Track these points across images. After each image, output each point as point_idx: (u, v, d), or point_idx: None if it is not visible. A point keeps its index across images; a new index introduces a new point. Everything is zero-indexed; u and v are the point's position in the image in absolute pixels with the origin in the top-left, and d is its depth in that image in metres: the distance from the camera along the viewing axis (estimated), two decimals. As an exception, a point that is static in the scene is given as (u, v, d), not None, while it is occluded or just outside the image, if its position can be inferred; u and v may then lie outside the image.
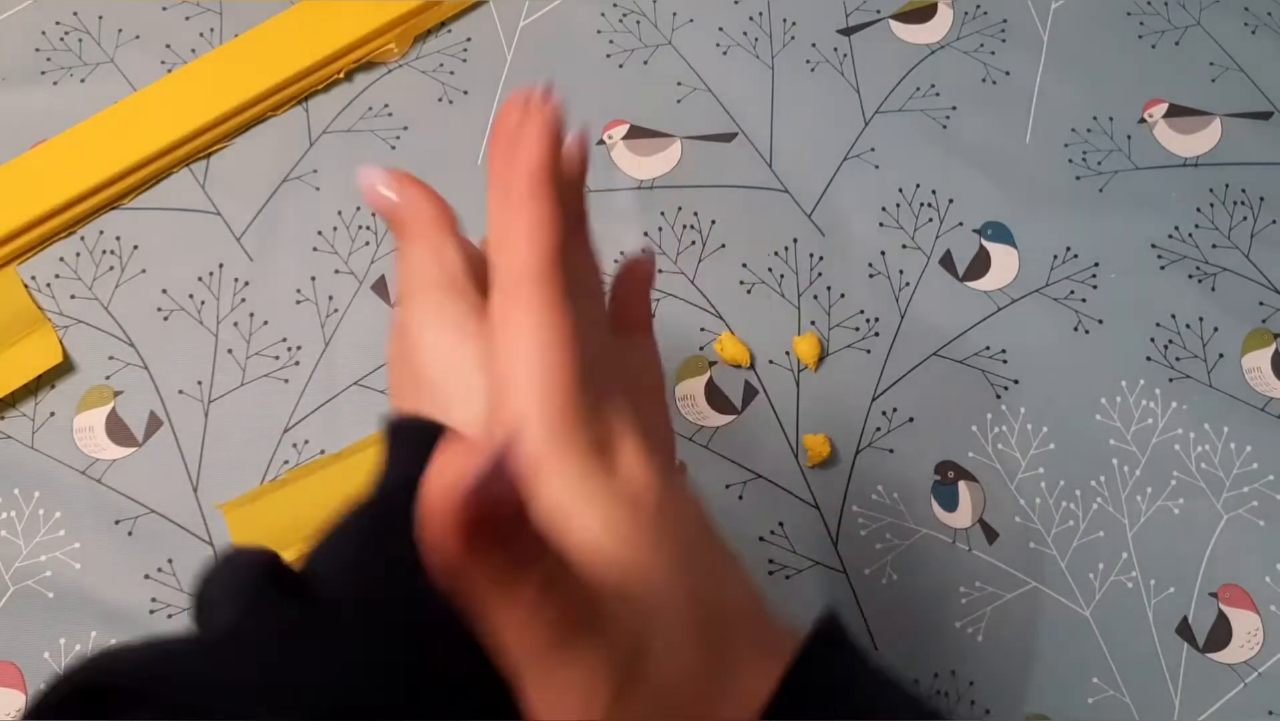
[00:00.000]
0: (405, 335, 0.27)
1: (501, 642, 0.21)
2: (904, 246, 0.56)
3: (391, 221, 0.29)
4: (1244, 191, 0.58)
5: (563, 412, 0.23)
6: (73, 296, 0.53)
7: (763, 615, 0.25)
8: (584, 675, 0.21)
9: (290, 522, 0.49)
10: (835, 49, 0.60)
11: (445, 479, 0.18)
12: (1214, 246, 0.56)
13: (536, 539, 0.20)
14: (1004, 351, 0.54)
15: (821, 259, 0.55)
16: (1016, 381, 0.53)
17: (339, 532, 0.25)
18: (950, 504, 0.51)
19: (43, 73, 0.57)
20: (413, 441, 0.25)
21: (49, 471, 0.50)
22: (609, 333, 0.28)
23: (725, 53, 0.60)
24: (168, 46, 0.58)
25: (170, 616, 0.48)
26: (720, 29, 0.60)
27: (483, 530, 0.18)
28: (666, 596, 0.23)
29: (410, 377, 0.27)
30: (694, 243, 0.55)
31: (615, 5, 0.60)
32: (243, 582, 0.23)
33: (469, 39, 0.59)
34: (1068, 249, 0.56)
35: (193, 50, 0.58)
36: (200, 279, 0.53)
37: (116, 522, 0.49)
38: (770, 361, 0.53)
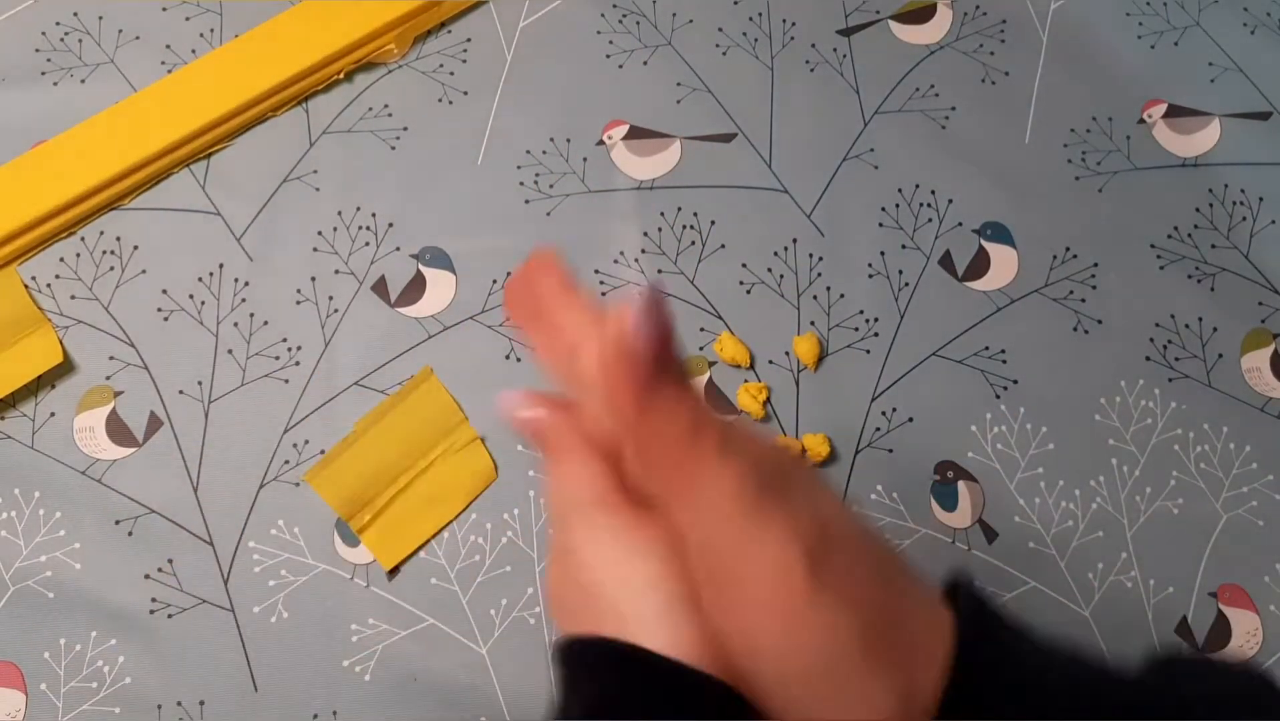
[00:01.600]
0: (567, 557, 0.28)
1: (690, 500, 0.24)
2: (903, 246, 0.56)
3: (536, 442, 0.30)
4: (1243, 191, 0.58)
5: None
6: (73, 297, 0.53)
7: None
8: (780, 542, 0.23)
9: (371, 470, 0.50)
10: (835, 49, 0.60)
11: (615, 340, 0.24)
12: (1213, 246, 0.56)
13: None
14: (1004, 351, 0.54)
15: (821, 259, 0.55)
16: (1016, 381, 0.53)
17: None
18: (950, 504, 0.51)
19: (43, 73, 0.57)
20: (596, 664, 0.26)
21: (49, 471, 0.50)
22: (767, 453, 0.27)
23: (725, 53, 0.60)
24: (168, 47, 0.58)
25: (170, 616, 0.48)
26: (720, 29, 0.60)
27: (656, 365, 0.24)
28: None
29: (579, 598, 0.27)
30: (694, 243, 0.55)
31: (615, 6, 0.60)
32: None
33: (469, 39, 0.59)
34: (1067, 249, 0.56)
35: (193, 51, 0.58)
36: (200, 279, 0.53)
37: (117, 523, 0.49)
38: (770, 361, 0.53)
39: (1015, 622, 0.27)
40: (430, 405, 0.51)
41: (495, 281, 0.54)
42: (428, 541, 0.49)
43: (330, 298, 0.53)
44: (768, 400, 0.52)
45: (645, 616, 0.26)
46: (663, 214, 0.56)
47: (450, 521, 0.50)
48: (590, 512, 0.27)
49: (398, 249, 0.54)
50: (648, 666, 0.25)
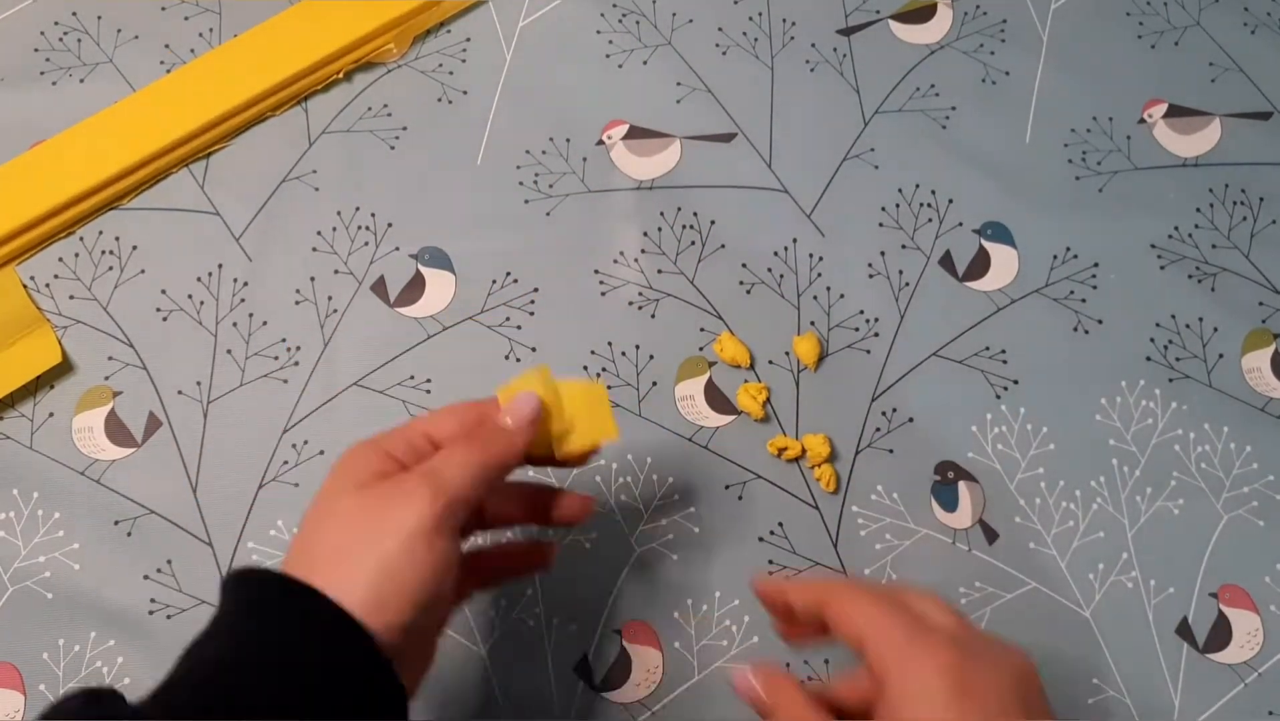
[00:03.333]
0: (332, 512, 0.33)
1: None
2: (903, 246, 0.56)
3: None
4: (1244, 191, 0.58)
5: None
6: (72, 297, 0.53)
7: None
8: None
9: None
10: (835, 49, 0.60)
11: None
12: (1214, 246, 0.56)
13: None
14: (1004, 351, 0.54)
15: (821, 259, 0.55)
16: (1016, 381, 0.53)
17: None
18: (950, 504, 0.51)
19: (42, 73, 0.57)
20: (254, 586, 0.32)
21: (48, 472, 0.50)
22: None
23: (725, 53, 0.59)
24: (167, 46, 0.58)
25: (169, 617, 0.48)
26: (720, 29, 0.60)
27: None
28: None
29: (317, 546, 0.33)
30: (694, 243, 0.55)
31: (615, 5, 0.60)
32: None
33: (468, 39, 0.59)
34: (1067, 249, 0.56)
35: (192, 50, 0.58)
36: (199, 279, 0.53)
37: (115, 523, 0.49)
38: (770, 362, 0.53)
39: None
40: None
41: (495, 282, 0.54)
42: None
43: (329, 298, 0.53)
44: (768, 400, 0.52)
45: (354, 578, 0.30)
46: (662, 214, 0.56)
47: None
48: None
49: (397, 249, 0.54)
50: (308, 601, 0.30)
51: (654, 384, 0.52)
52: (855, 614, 0.34)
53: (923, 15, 0.61)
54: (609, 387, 0.52)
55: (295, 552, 0.32)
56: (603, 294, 0.54)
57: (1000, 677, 0.33)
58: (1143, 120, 0.59)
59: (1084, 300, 0.55)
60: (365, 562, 0.31)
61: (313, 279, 0.54)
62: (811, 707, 0.35)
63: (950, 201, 0.56)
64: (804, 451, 0.51)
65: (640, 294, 0.54)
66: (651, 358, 0.53)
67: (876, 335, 0.54)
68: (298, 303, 0.53)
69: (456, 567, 0.33)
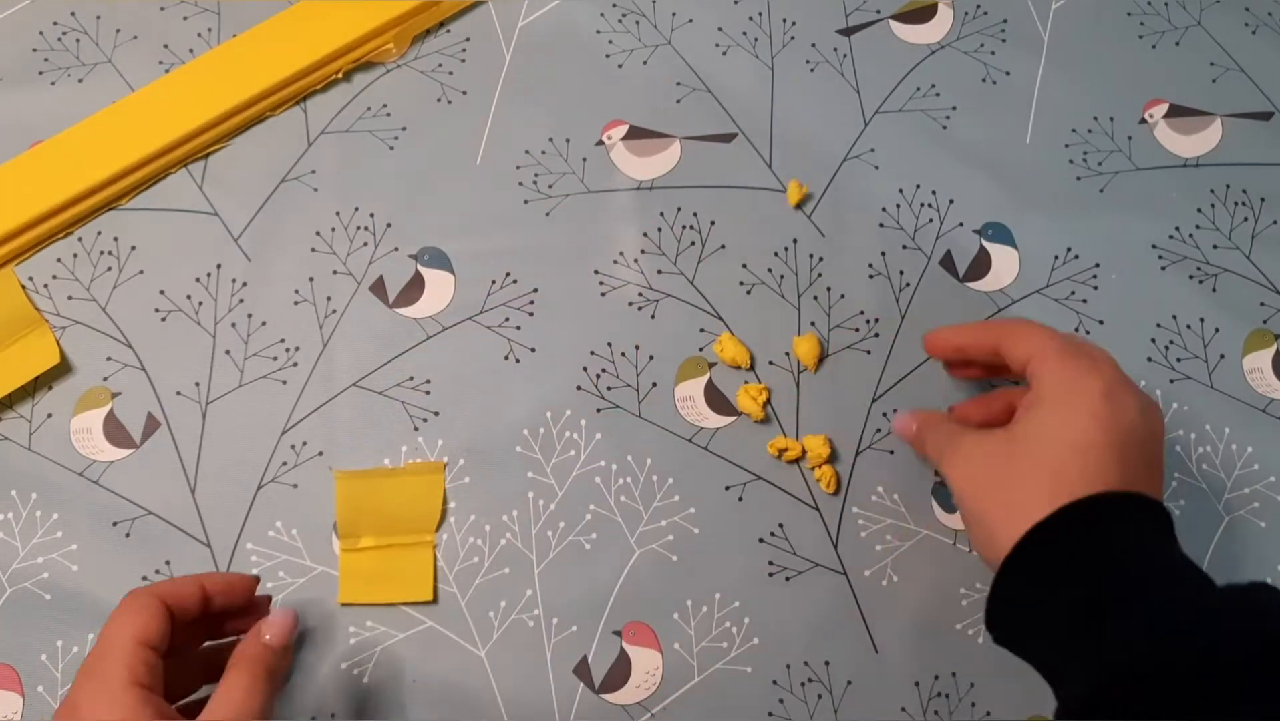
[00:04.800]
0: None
1: None
2: (904, 247, 0.55)
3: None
4: (1245, 192, 0.57)
5: None
6: (70, 297, 0.53)
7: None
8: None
9: (390, 511, 0.49)
10: (835, 49, 0.60)
11: None
12: (1215, 247, 0.56)
13: None
14: (1004, 352, 0.53)
15: (821, 259, 0.55)
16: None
17: None
18: (951, 505, 0.51)
19: (40, 73, 0.57)
20: None
21: (46, 473, 0.50)
22: None
23: (725, 53, 0.59)
24: (165, 47, 0.58)
25: (168, 618, 0.48)
26: (720, 29, 0.60)
27: None
28: None
29: None
30: (694, 243, 0.55)
31: (615, 5, 0.60)
32: None
33: (468, 39, 0.59)
34: (1068, 249, 0.56)
35: (191, 50, 0.57)
36: (198, 280, 0.53)
37: (114, 524, 0.49)
38: (770, 362, 0.53)
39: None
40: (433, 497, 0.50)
41: (494, 282, 0.54)
42: (375, 605, 0.48)
43: (328, 298, 0.53)
44: (768, 401, 0.52)
45: None
46: (662, 214, 0.56)
47: (403, 603, 0.49)
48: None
49: (396, 249, 0.54)
50: None
51: (654, 384, 0.52)
52: (1024, 336, 0.42)
53: (923, 15, 0.61)
54: (608, 388, 0.52)
55: None
56: (602, 294, 0.54)
57: (1139, 402, 0.40)
58: (1144, 120, 0.59)
59: (1085, 301, 0.55)
60: None
61: (311, 279, 0.54)
62: (951, 421, 0.47)
63: (951, 202, 0.56)
64: (804, 452, 0.51)
65: (640, 294, 0.54)
66: (651, 358, 0.53)
67: (877, 336, 0.54)
68: (296, 303, 0.53)
69: None
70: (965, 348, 0.46)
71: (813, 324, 0.54)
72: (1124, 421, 0.38)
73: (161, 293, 0.53)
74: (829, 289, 0.54)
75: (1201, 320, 0.55)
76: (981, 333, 0.45)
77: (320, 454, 0.50)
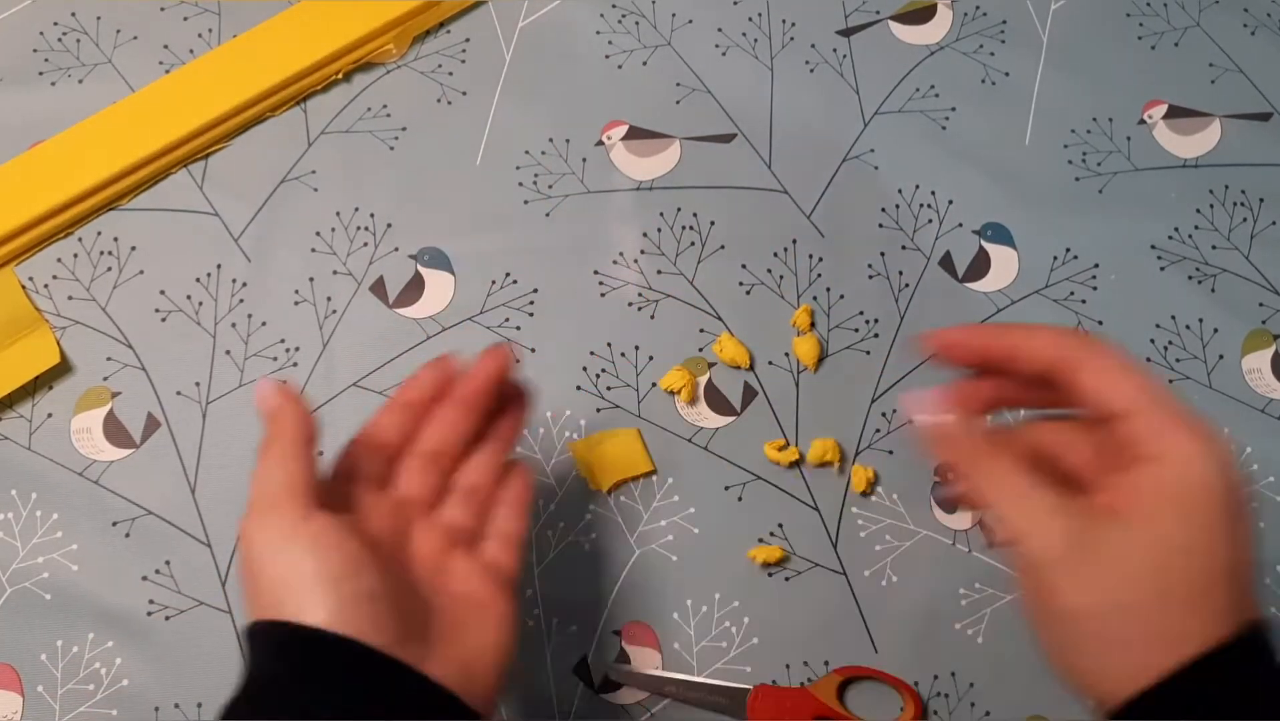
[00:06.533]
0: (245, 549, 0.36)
1: None
2: (903, 247, 0.55)
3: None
4: (1244, 192, 0.57)
5: None
6: (70, 297, 0.53)
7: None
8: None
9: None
10: (835, 50, 0.60)
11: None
12: (1214, 247, 0.56)
13: None
14: (1004, 352, 0.53)
15: (821, 260, 0.55)
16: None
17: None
18: (950, 505, 0.51)
19: (41, 73, 0.57)
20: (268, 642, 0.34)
21: (46, 473, 0.50)
22: None
23: (724, 53, 0.59)
24: (166, 47, 0.58)
25: (168, 618, 0.48)
26: (719, 30, 0.60)
27: None
28: None
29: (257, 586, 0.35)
30: (693, 243, 0.55)
31: (615, 6, 0.60)
32: None
33: (468, 39, 0.59)
34: (1067, 250, 0.56)
35: (191, 51, 0.58)
36: (198, 280, 0.53)
37: (114, 524, 0.49)
38: (770, 363, 0.53)
39: None
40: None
41: (494, 282, 0.54)
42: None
43: (328, 298, 0.53)
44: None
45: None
46: (662, 214, 0.56)
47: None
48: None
49: (396, 249, 0.54)
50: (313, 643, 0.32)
51: (653, 385, 0.52)
52: (1111, 377, 0.32)
53: (923, 16, 0.61)
54: (608, 389, 0.52)
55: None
56: (602, 294, 0.54)
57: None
58: (1143, 121, 0.59)
59: (1084, 301, 0.55)
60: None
61: (312, 279, 0.54)
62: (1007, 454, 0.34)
63: (950, 202, 0.56)
64: (802, 456, 0.51)
65: (640, 294, 0.54)
66: (651, 358, 0.53)
67: (876, 336, 0.54)
68: (297, 303, 0.53)
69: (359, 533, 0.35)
70: (994, 357, 0.34)
71: (812, 325, 0.54)
72: (1241, 490, 0.32)
73: (162, 293, 0.53)
74: (828, 289, 0.54)
75: (1200, 320, 0.55)
76: (1040, 350, 0.33)
77: (320, 454, 0.50)
